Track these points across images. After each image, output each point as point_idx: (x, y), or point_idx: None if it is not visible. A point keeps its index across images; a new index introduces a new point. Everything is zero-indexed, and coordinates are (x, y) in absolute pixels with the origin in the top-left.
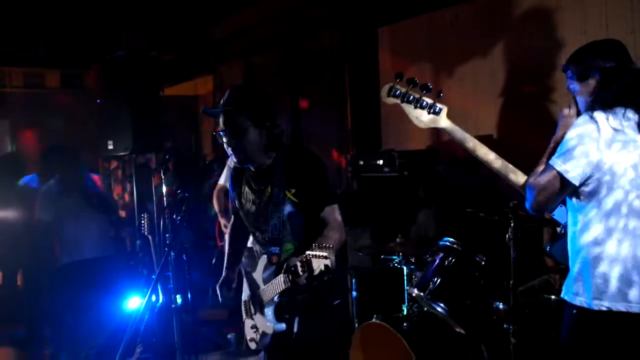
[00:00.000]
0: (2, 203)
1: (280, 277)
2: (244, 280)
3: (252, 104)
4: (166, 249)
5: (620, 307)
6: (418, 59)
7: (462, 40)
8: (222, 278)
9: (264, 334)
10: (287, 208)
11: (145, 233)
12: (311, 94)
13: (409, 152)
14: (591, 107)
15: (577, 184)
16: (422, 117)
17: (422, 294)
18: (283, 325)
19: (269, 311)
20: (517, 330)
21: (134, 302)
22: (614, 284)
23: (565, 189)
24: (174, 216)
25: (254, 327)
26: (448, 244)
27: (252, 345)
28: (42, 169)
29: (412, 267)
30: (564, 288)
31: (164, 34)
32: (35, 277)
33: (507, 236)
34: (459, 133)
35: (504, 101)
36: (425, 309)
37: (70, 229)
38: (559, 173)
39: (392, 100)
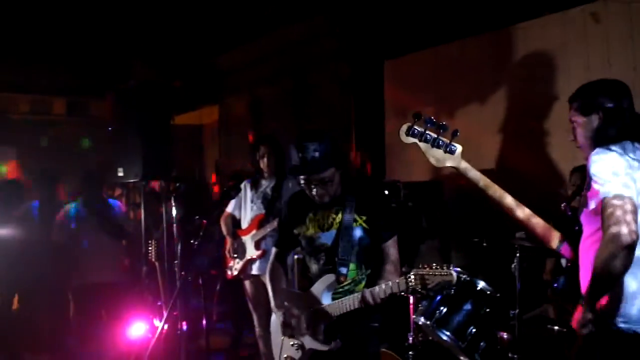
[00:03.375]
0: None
1: (354, 297)
2: (280, 299)
3: (335, 154)
4: (182, 273)
5: None
6: (423, 91)
7: (466, 74)
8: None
9: (309, 351)
10: (358, 233)
11: (153, 259)
12: (318, 123)
13: (413, 184)
14: (602, 142)
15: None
16: (438, 156)
17: (428, 322)
18: (339, 343)
19: (321, 329)
20: (520, 358)
21: (138, 329)
22: None
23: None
24: (192, 241)
25: (297, 345)
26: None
27: None
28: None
29: (418, 296)
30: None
31: (172, 63)
32: (43, 299)
33: (512, 266)
34: (472, 173)
35: (506, 135)
36: (431, 337)
37: (83, 252)
38: (621, 197)
39: (410, 140)
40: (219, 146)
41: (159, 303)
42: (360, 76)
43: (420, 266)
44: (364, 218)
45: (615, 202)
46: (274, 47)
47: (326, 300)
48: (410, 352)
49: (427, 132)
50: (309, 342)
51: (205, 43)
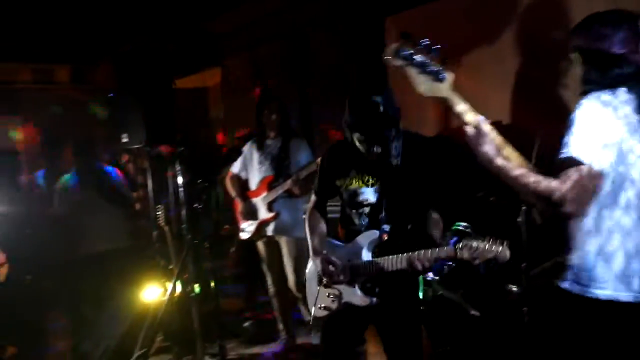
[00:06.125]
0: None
1: (400, 258)
2: (320, 246)
3: (394, 115)
4: (189, 237)
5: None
6: None
7: (471, 28)
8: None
9: (344, 304)
10: (401, 190)
11: (162, 224)
12: (318, 84)
13: None
14: (595, 88)
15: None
16: (428, 84)
17: (437, 277)
18: (377, 300)
19: (360, 284)
20: (530, 311)
21: (152, 293)
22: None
23: (599, 182)
24: (195, 205)
25: (333, 295)
26: (461, 228)
27: (321, 313)
28: (58, 163)
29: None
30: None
31: (171, 27)
32: (50, 271)
33: (518, 220)
34: (461, 106)
35: (515, 88)
36: (440, 292)
37: (86, 222)
38: (587, 166)
39: (397, 62)
40: (223, 108)
41: (170, 267)
42: (361, 35)
43: (473, 237)
44: (409, 174)
45: (576, 167)
46: (273, 7)
47: (366, 256)
48: (421, 307)
49: (416, 55)
50: (346, 295)
51: (203, 5)
